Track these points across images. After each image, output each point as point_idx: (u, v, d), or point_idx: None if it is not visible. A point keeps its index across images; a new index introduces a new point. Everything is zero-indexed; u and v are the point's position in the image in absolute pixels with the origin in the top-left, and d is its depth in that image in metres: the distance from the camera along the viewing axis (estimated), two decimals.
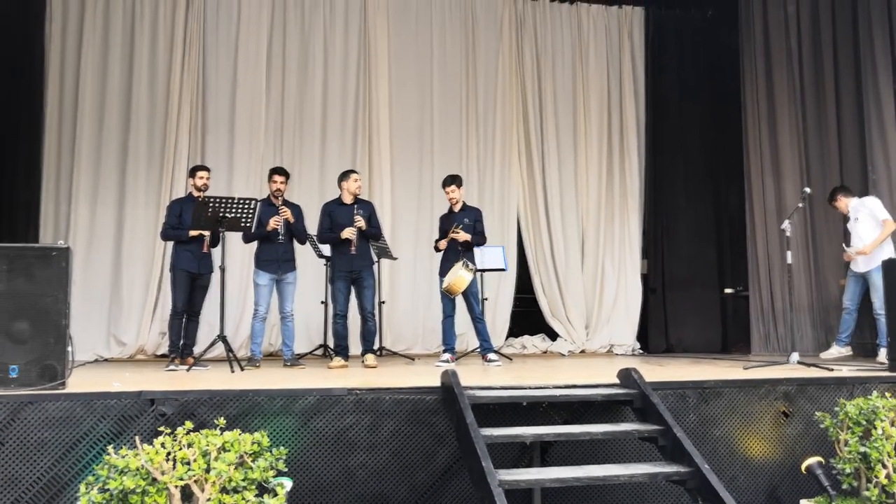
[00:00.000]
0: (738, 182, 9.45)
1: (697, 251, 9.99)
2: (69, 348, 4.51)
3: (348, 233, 6.68)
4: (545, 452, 4.71)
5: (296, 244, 7.16)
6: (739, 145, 9.28)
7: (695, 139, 10.16)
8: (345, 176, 6.94)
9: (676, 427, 4.30)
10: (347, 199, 6.88)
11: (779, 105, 8.74)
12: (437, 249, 7.35)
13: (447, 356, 7.05)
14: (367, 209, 6.94)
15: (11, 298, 4.39)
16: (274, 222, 6.80)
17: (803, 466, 4.69)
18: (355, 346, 7.14)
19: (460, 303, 7.19)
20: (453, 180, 7.28)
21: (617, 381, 4.94)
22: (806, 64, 8.74)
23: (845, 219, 7.53)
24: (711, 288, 10.02)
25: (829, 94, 8.50)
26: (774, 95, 8.77)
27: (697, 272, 9.94)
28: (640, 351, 9.62)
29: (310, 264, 8.30)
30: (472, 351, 8.32)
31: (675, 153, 10.10)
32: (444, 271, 7.18)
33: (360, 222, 6.74)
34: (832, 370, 5.68)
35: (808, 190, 6.94)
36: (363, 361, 6.81)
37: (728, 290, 9.90)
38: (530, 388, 4.69)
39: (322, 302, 8.28)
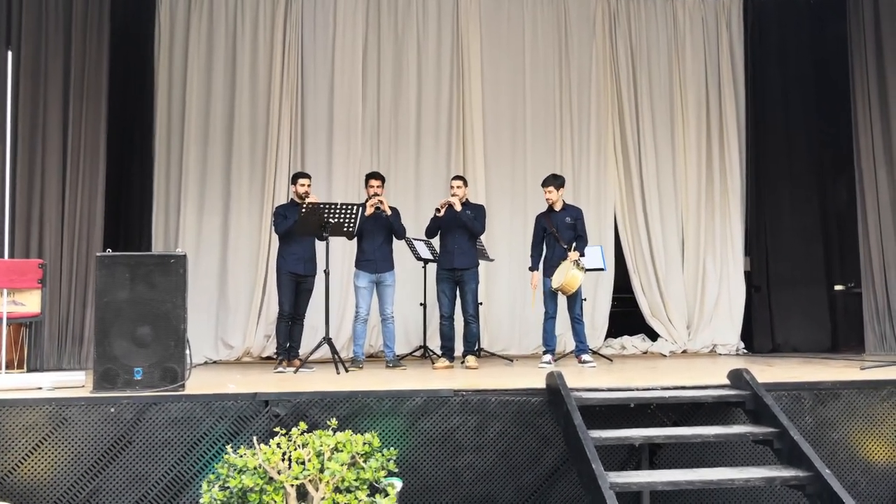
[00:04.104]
0: (847, 176, 9.03)
1: (804, 247, 9.58)
2: (187, 351, 4.71)
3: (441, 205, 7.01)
4: (653, 455, 4.64)
5: (394, 245, 7.32)
6: (848, 138, 8.87)
7: (799, 132, 9.74)
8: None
9: (793, 429, 4.16)
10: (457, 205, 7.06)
11: (891, 95, 8.29)
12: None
13: (548, 357, 7.03)
14: (478, 211, 7.28)
15: (134, 304, 4.61)
16: (371, 204, 6.97)
17: None
18: (456, 347, 7.22)
19: (560, 303, 7.14)
20: (551, 181, 7.24)
21: (727, 381, 4.82)
22: None
23: None
24: (819, 285, 9.58)
25: None
26: (887, 85, 8.32)
27: (804, 269, 9.53)
28: (745, 351, 9.33)
29: (408, 267, 8.40)
30: (570, 352, 8.25)
31: (778, 147, 9.69)
32: (548, 270, 7.12)
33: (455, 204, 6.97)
34: None
35: None
36: (464, 363, 6.91)
37: (838, 287, 9.48)
38: (637, 389, 4.63)
39: (421, 304, 8.37)
